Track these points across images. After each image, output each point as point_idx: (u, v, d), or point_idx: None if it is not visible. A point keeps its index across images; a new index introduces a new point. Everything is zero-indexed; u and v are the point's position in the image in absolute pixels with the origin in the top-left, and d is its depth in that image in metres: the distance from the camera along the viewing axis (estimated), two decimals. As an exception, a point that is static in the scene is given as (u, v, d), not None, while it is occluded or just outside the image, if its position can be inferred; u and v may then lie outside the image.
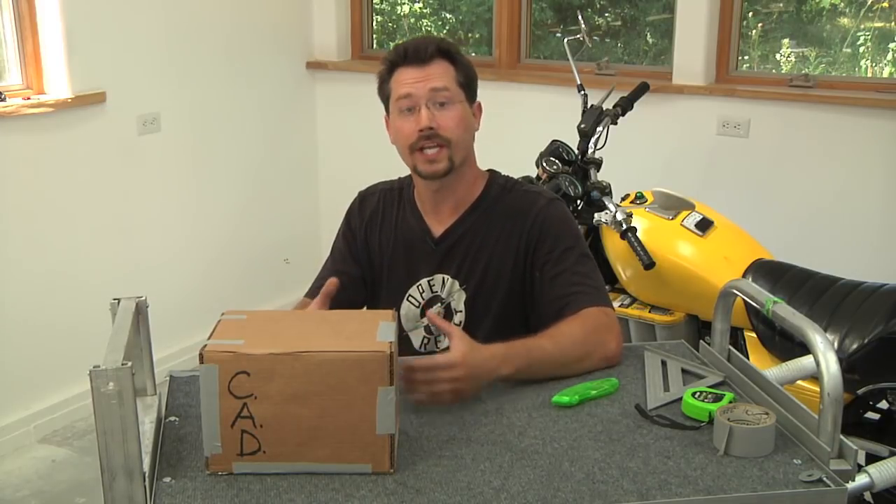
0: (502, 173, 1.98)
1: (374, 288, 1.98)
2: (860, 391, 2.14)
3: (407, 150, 1.85)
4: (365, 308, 2.00)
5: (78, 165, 3.40)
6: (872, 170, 3.23)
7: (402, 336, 1.91)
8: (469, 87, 1.87)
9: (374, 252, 1.97)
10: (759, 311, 1.50)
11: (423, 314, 1.92)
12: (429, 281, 1.91)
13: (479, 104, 1.92)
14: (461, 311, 1.89)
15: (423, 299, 1.92)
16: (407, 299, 1.93)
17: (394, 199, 1.99)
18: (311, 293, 1.98)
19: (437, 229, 1.92)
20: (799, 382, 1.90)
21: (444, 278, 1.90)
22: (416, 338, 1.94)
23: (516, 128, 3.66)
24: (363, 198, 2.03)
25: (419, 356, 1.56)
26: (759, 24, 3.75)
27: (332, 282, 1.76)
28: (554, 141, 2.82)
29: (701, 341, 1.80)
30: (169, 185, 3.79)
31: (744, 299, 1.59)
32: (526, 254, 1.85)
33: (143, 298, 1.52)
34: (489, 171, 1.97)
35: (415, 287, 1.92)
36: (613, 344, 1.72)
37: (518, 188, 1.93)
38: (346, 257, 1.99)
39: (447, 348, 1.88)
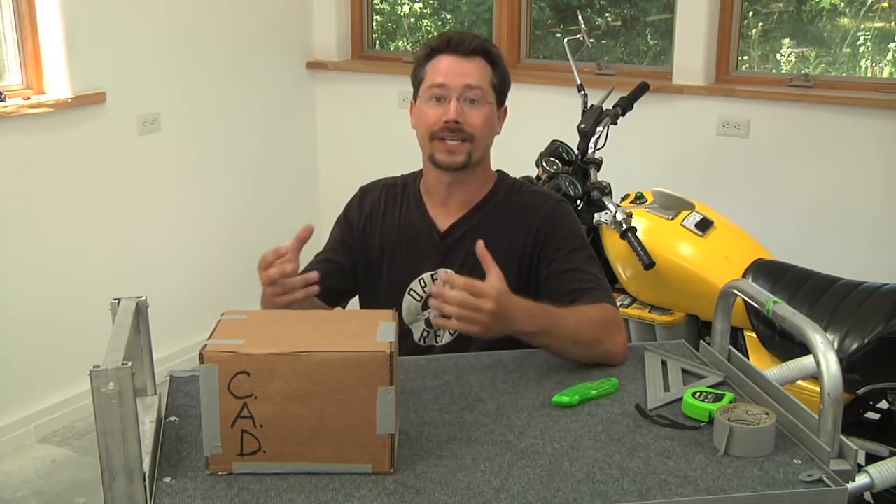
0: (509, 174, 1.99)
1: (369, 281, 1.98)
2: (860, 391, 2.14)
3: (427, 137, 1.86)
4: (357, 299, 2.01)
5: (78, 165, 3.39)
6: (872, 170, 3.23)
7: (403, 329, 1.91)
8: (501, 92, 1.89)
9: (372, 247, 1.97)
10: (759, 311, 1.50)
11: (424, 308, 1.92)
12: (432, 275, 1.91)
13: (506, 109, 1.94)
14: (464, 309, 1.89)
15: (426, 293, 1.92)
16: (408, 293, 1.93)
17: (396, 194, 1.99)
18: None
19: (443, 223, 1.92)
20: (799, 382, 1.90)
21: (447, 273, 1.90)
22: (417, 331, 1.94)
23: (516, 128, 3.63)
24: (364, 193, 2.03)
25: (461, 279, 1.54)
26: (759, 24, 3.75)
27: (306, 229, 1.72)
28: (554, 141, 2.82)
29: (701, 341, 1.80)
30: (169, 185, 3.78)
31: (744, 299, 1.59)
32: (532, 253, 1.86)
33: (143, 298, 1.52)
34: (497, 171, 1.98)
35: (417, 281, 1.92)
36: (621, 342, 1.73)
37: (526, 189, 1.95)
38: (338, 246, 2.00)
39: (446, 344, 1.90)
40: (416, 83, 1.91)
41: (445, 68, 1.84)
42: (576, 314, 1.69)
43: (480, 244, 1.62)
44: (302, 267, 2.02)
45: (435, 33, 4.69)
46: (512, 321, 1.58)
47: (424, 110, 1.86)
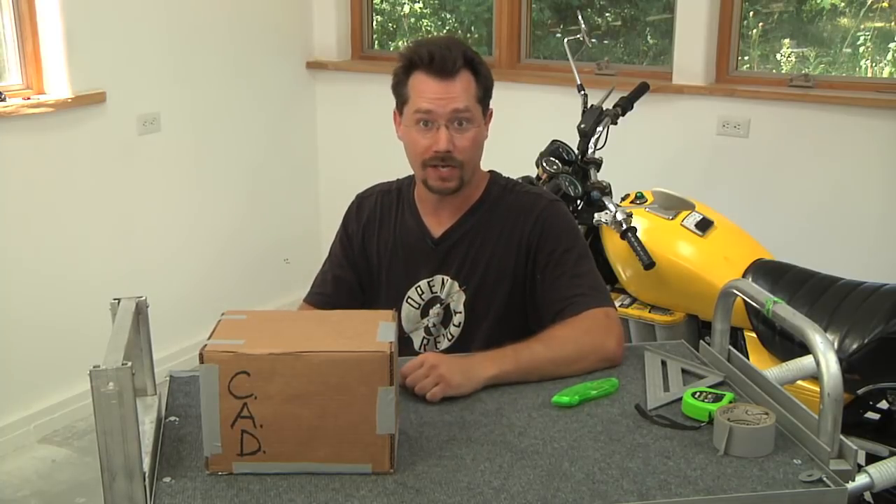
0: (502, 174, 1.98)
1: (373, 291, 1.98)
2: (860, 391, 2.14)
3: (419, 165, 1.84)
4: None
5: (78, 165, 3.39)
6: (872, 170, 3.23)
7: (404, 338, 1.91)
8: (486, 99, 1.86)
9: (371, 255, 1.97)
10: (759, 311, 1.50)
11: (423, 315, 1.92)
12: (428, 282, 1.91)
13: (491, 111, 1.90)
14: (460, 313, 1.89)
15: (423, 301, 1.92)
16: (406, 301, 1.92)
17: (392, 200, 1.98)
18: (310, 297, 1.98)
19: (437, 230, 1.92)
20: (799, 382, 1.90)
21: (443, 279, 1.90)
22: (417, 339, 1.93)
23: (516, 128, 3.65)
24: (361, 200, 2.02)
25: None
26: (759, 24, 3.75)
27: None
28: (554, 141, 2.82)
29: (701, 341, 1.80)
30: (169, 185, 3.78)
31: (744, 299, 1.59)
32: (527, 255, 1.85)
33: (143, 298, 1.52)
34: (489, 171, 1.96)
35: (414, 289, 1.92)
36: (612, 344, 1.71)
37: (519, 189, 1.93)
38: (343, 262, 1.99)
39: (446, 349, 1.90)
40: (400, 100, 1.85)
41: (430, 94, 1.77)
42: (544, 341, 1.67)
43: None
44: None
45: (435, 33, 4.69)
46: (468, 366, 1.59)
47: (414, 136, 1.81)
